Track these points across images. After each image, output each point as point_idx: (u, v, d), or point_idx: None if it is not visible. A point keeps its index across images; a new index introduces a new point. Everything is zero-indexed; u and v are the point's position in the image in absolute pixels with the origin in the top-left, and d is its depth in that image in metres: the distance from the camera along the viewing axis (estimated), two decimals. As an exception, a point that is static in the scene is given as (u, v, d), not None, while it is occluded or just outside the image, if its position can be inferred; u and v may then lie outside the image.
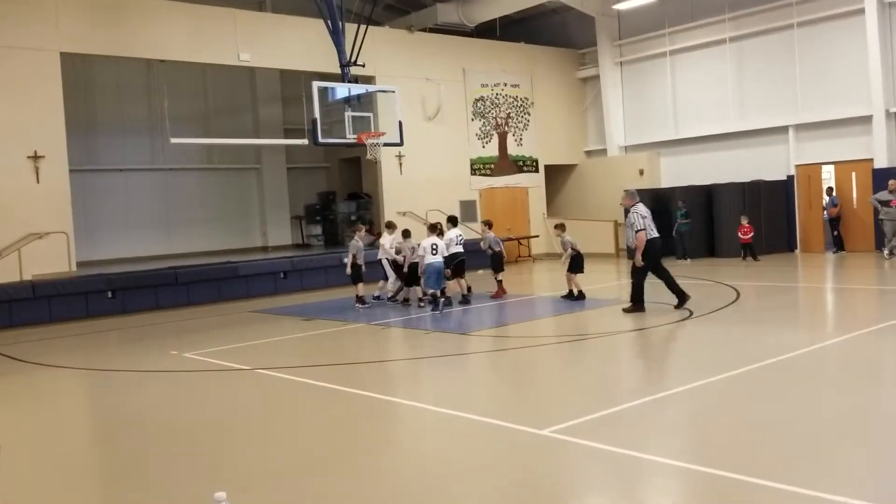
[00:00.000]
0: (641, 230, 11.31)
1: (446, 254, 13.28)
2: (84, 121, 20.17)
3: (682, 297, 11.45)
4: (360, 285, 14.03)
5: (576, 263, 13.21)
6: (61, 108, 15.93)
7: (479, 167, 22.66)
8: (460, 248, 13.76)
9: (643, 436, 5.80)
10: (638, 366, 8.76)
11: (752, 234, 18.73)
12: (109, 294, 15.22)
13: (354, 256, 13.91)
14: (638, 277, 11.51)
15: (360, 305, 13.89)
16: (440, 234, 13.78)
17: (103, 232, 20.75)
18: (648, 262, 11.48)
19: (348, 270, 13.99)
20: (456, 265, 13.61)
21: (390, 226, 14.71)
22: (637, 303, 11.53)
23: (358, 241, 14.21)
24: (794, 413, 6.13)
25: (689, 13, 21.87)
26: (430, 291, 13.13)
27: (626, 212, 12.20)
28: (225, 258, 18.49)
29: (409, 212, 20.66)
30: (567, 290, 13.32)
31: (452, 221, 14.35)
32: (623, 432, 5.89)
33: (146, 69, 21.20)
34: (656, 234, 11.58)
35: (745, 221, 18.77)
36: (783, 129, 20.10)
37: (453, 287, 13.85)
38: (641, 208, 11.53)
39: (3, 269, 14.82)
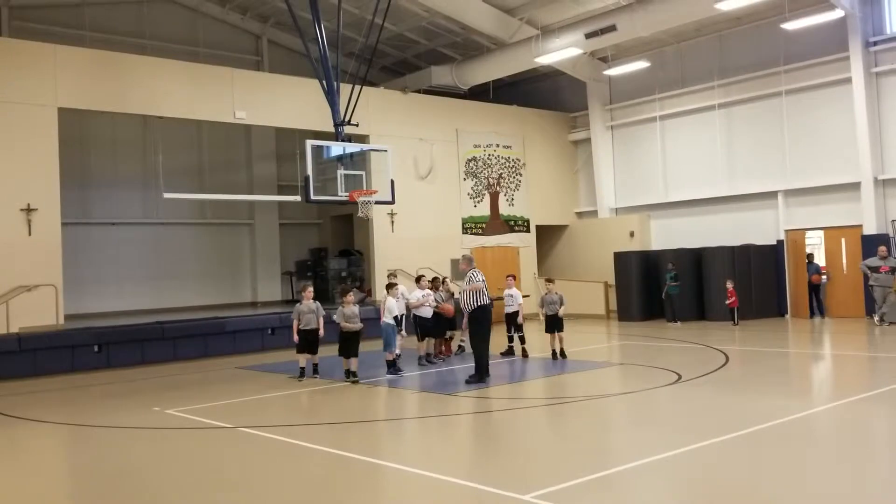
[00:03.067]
0: (479, 282, 11.68)
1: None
2: (78, 174, 20.30)
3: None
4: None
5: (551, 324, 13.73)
6: (56, 161, 16.04)
7: (470, 226, 22.79)
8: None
9: (627, 503, 5.72)
10: (624, 430, 8.68)
11: (734, 298, 18.80)
12: (96, 348, 15.10)
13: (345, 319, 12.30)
14: (479, 348, 11.51)
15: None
16: (435, 289, 14.22)
17: (93, 285, 20.68)
18: (485, 329, 11.65)
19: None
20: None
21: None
22: (481, 374, 11.40)
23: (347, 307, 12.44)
24: (781, 482, 6.06)
25: (678, 79, 22.33)
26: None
27: (464, 275, 12.15)
28: (214, 313, 18.41)
29: (399, 270, 20.67)
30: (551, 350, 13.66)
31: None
32: (607, 499, 5.80)
33: (142, 124, 21.44)
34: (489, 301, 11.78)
35: (729, 286, 18.88)
36: (772, 195, 20.34)
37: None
38: (479, 273, 11.86)
39: (-11, 320, 14.72)
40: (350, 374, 12.16)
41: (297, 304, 12.56)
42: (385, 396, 11.38)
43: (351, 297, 12.52)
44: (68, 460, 8.57)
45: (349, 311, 12.26)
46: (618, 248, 22.37)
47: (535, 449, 7.85)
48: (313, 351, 12.55)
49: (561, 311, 13.70)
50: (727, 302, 18.85)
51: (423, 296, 13.71)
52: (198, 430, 9.11)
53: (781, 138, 20.18)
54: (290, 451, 7.91)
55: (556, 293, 13.88)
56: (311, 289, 12.86)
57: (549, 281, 14.62)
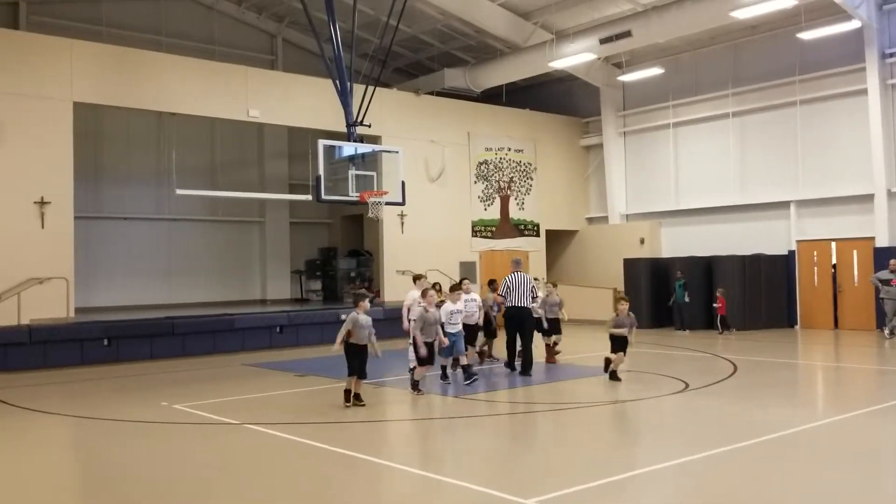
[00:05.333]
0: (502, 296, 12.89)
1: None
2: (92, 169, 20.44)
3: (513, 363, 12.79)
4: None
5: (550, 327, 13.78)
6: (70, 155, 16.14)
7: (480, 229, 22.80)
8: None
9: (631, 510, 5.72)
10: (629, 438, 8.66)
11: (722, 305, 18.98)
12: (105, 342, 15.18)
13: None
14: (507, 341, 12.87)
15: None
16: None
17: (104, 279, 20.81)
18: (508, 328, 12.83)
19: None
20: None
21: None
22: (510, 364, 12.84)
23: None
24: (787, 494, 6.04)
25: (692, 87, 22.28)
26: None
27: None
28: (223, 310, 18.48)
29: (408, 271, 20.67)
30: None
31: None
32: (610, 506, 5.80)
33: (156, 121, 21.55)
34: (517, 304, 12.69)
35: (719, 293, 18.93)
36: (784, 205, 20.25)
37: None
38: (509, 278, 12.83)
39: (1, 312, 14.82)
40: (357, 398, 10.16)
41: (352, 314, 10.14)
42: (390, 398, 11.39)
43: (366, 304, 10.24)
44: (75, 452, 8.63)
45: (364, 321, 10.15)
46: (628, 254, 22.32)
47: (538, 454, 7.85)
48: (364, 375, 10.19)
49: (561, 315, 14.02)
50: (715, 304, 18.95)
51: (468, 302, 12.52)
52: (204, 425, 9.15)
53: (795, 148, 20.10)
54: (295, 448, 7.93)
55: (558, 296, 14.04)
56: (368, 301, 10.36)
57: (553, 284, 14.78)
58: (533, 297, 12.89)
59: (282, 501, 6.19)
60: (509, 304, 12.75)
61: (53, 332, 14.68)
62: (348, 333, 10.00)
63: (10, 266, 15.11)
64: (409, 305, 12.18)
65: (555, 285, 14.61)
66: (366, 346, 10.11)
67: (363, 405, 9.97)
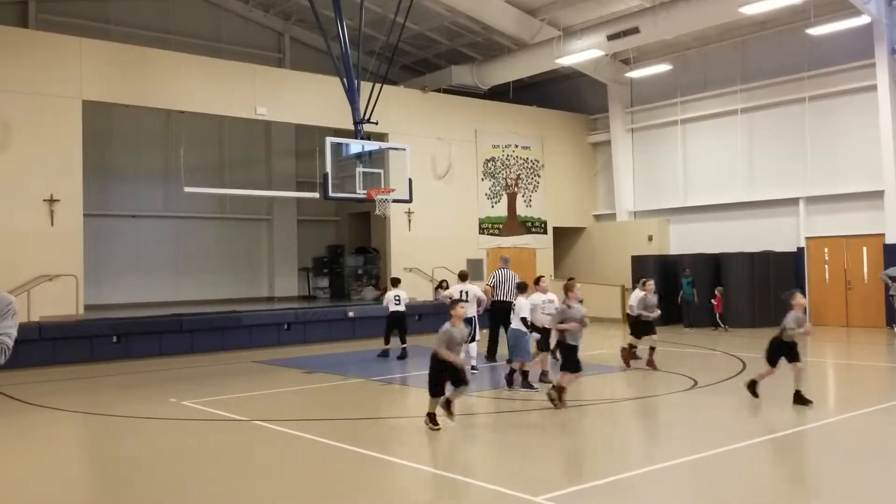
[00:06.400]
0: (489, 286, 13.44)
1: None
2: (101, 167, 20.51)
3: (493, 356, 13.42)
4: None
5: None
6: (80, 153, 16.20)
7: (487, 226, 22.78)
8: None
9: (640, 507, 5.71)
10: (640, 434, 8.65)
11: (719, 304, 19.11)
12: (114, 339, 15.24)
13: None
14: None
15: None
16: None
17: (113, 276, 20.90)
18: (495, 320, 13.31)
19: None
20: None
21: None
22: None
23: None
24: (796, 491, 6.02)
25: (701, 83, 22.21)
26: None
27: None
28: (231, 307, 18.52)
29: (415, 268, 20.72)
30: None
31: (462, 277, 13.50)
32: (619, 503, 5.79)
33: (165, 119, 21.62)
34: (502, 299, 13.03)
35: (718, 292, 19.05)
36: (793, 201, 20.17)
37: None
38: (498, 273, 13.53)
39: (10, 309, 14.86)
40: (446, 406, 8.53)
41: (446, 328, 8.55)
42: (400, 394, 11.41)
43: (462, 310, 8.79)
44: (84, 448, 8.67)
45: (459, 335, 8.59)
46: (635, 251, 22.27)
47: (548, 451, 7.84)
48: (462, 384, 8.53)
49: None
50: (713, 301, 18.96)
51: (546, 302, 11.33)
52: (213, 422, 9.18)
53: (804, 145, 20.01)
54: (304, 445, 7.95)
55: (655, 294, 12.94)
56: (462, 306, 9.06)
57: (645, 282, 13.10)
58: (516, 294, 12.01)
59: (290, 498, 6.21)
60: (496, 298, 13.27)
61: (63, 328, 14.75)
62: (441, 345, 8.39)
63: (20, 263, 15.19)
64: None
65: (644, 284, 12.86)
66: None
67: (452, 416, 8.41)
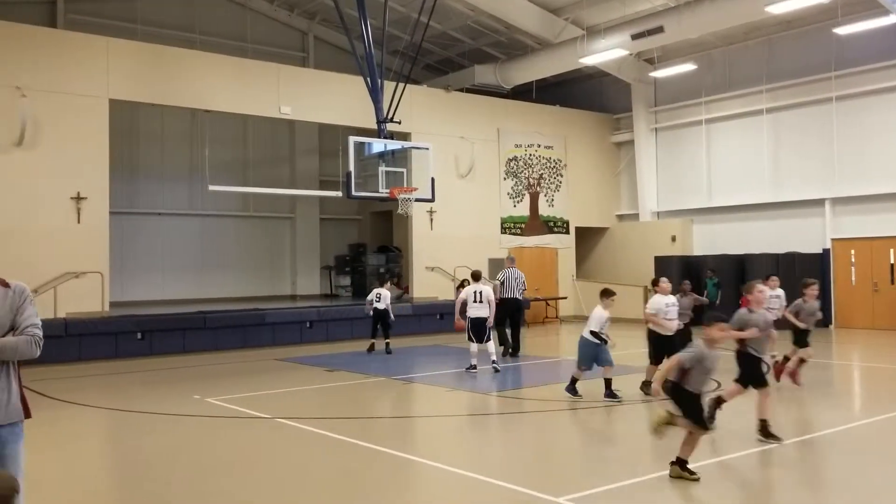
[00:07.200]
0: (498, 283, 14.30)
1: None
2: (127, 165, 20.77)
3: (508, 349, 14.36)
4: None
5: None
6: (107, 152, 16.39)
7: (509, 226, 22.75)
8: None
9: (661, 509, 5.68)
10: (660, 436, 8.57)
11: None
12: (139, 335, 15.42)
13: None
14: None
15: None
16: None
17: (138, 273, 21.15)
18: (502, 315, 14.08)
19: None
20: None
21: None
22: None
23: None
24: (823, 495, 5.96)
25: (726, 83, 22.02)
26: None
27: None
28: (253, 305, 18.67)
29: (437, 267, 20.74)
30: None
31: (475, 277, 13.22)
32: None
33: (190, 118, 21.82)
34: (508, 296, 14.26)
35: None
36: (819, 202, 19.95)
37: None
38: (506, 272, 14.52)
39: (38, 305, 15.04)
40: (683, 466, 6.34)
41: (697, 348, 6.43)
42: (420, 394, 11.44)
43: (718, 332, 6.52)
44: (108, 444, 8.77)
45: (713, 361, 6.42)
46: (659, 252, 22.14)
47: (569, 452, 7.83)
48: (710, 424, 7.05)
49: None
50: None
51: (669, 305, 10.18)
52: (236, 419, 9.26)
53: (830, 145, 19.78)
54: (326, 442, 7.99)
55: (818, 301, 11.21)
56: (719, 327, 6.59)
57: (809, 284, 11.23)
58: (522, 291, 14.63)
59: (312, 495, 6.25)
60: (504, 295, 14.21)
61: (88, 325, 14.94)
62: (682, 373, 6.30)
63: (47, 260, 15.40)
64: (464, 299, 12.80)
65: (806, 286, 10.88)
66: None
67: (696, 478, 6.20)
